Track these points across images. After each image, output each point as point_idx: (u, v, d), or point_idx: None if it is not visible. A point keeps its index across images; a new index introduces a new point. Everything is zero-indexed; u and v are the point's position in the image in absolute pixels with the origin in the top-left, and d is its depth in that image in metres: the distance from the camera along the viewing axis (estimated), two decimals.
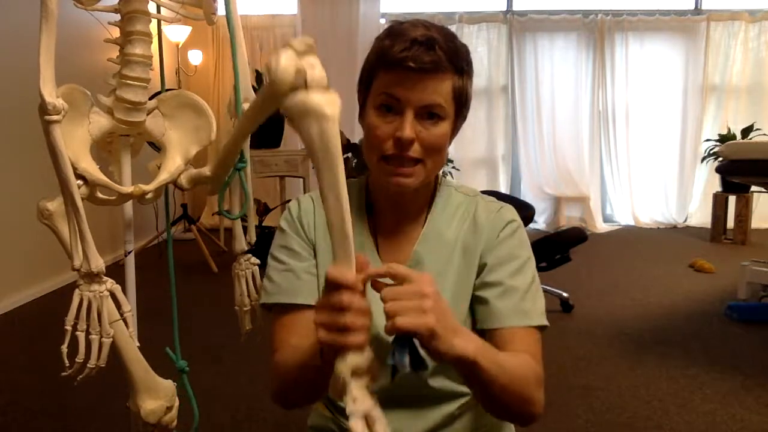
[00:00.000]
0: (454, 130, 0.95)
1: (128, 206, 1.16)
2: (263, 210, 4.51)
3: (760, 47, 5.70)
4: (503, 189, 5.86)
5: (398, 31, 0.90)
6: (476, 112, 5.92)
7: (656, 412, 2.01)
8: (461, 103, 0.93)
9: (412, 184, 0.91)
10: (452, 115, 0.92)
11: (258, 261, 1.16)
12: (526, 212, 3.23)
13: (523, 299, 0.92)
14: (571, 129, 5.86)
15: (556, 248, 3.00)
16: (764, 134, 5.28)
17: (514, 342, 0.90)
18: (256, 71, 4.70)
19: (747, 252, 4.51)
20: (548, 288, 3.28)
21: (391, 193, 0.96)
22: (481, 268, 0.95)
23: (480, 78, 5.89)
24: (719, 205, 5.07)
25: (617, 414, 2.00)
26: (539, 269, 3.29)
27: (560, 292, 3.22)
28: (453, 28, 5.80)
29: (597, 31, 5.76)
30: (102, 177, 0.98)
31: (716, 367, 2.37)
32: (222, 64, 5.80)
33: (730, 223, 5.03)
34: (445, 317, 0.71)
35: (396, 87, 0.88)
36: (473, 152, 5.94)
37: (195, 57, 5.51)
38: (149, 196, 1.06)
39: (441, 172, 1.03)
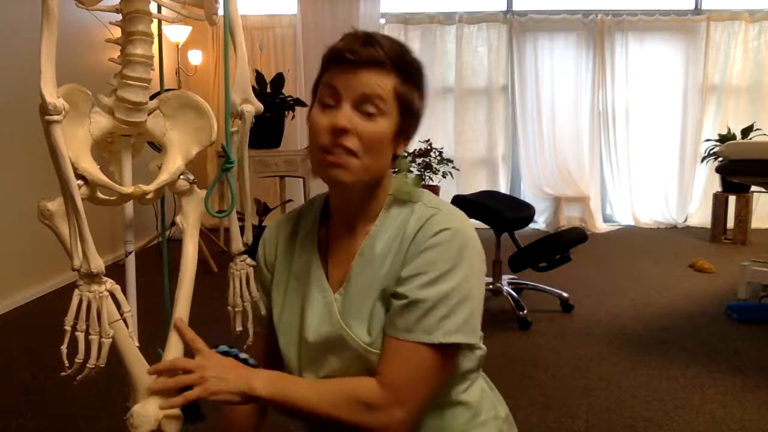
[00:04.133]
0: (400, 133, 0.95)
1: (129, 206, 1.17)
2: (263, 210, 4.51)
3: (760, 47, 5.70)
4: (503, 189, 5.86)
5: (348, 33, 0.94)
6: (476, 112, 5.92)
7: (656, 412, 2.01)
8: (405, 108, 0.94)
9: (346, 177, 0.91)
10: (395, 116, 0.93)
11: (253, 262, 1.17)
12: (526, 212, 3.22)
13: (427, 314, 0.89)
14: (571, 129, 5.86)
15: (556, 248, 3.00)
16: (764, 134, 5.29)
17: (394, 354, 0.91)
18: (256, 71, 4.70)
19: (747, 252, 4.51)
20: (548, 288, 3.29)
21: (333, 191, 0.99)
22: (399, 279, 0.93)
23: (480, 78, 5.89)
24: (719, 205, 5.07)
25: (617, 414, 2.00)
26: (539, 269, 3.27)
27: (560, 292, 3.22)
28: (453, 28, 5.81)
29: (597, 31, 5.76)
30: (102, 177, 0.98)
31: (716, 367, 2.38)
32: (222, 64, 5.79)
33: (730, 223, 5.03)
34: (224, 380, 0.91)
35: (335, 78, 0.91)
36: (473, 152, 5.94)
37: (195, 57, 5.51)
38: (150, 196, 1.06)
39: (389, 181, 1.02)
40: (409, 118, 0.96)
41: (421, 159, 5.44)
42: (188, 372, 0.93)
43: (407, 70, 0.94)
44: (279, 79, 4.61)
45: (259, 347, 1.15)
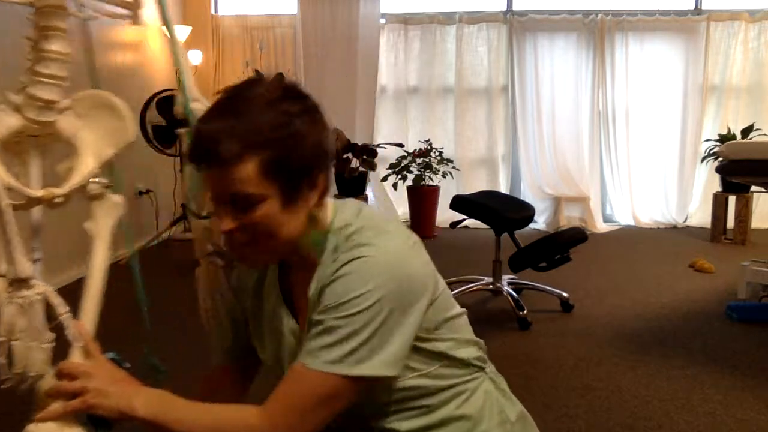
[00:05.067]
0: (293, 196, 0.89)
1: (36, 211, 1.07)
2: None
3: (760, 47, 5.69)
4: (503, 189, 5.86)
5: (196, 127, 0.89)
6: (476, 112, 5.92)
7: (656, 412, 2.01)
8: (284, 175, 0.87)
9: (258, 264, 0.93)
10: (275, 192, 0.87)
11: (221, 263, 1.12)
12: (526, 212, 3.23)
13: (319, 336, 0.86)
14: (571, 129, 5.86)
15: (556, 248, 2.99)
16: (764, 134, 5.28)
17: (287, 377, 0.88)
18: (256, 71, 4.70)
19: (747, 252, 4.51)
20: (548, 288, 3.29)
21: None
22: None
23: (480, 78, 5.89)
24: (719, 205, 5.07)
25: (617, 414, 2.00)
26: (539, 269, 3.27)
27: (560, 292, 3.22)
28: (453, 28, 5.81)
29: (597, 31, 5.75)
30: (10, 179, 0.93)
31: (716, 367, 2.37)
32: (222, 64, 5.80)
33: (730, 223, 5.03)
34: (105, 393, 0.87)
35: (208, 179, 0.87)
36: (473, 152, 5.94)
37: (195, 57, 5.51)
38: (60, 200, 1.00)
39: (338, 219, 0.96)
40: (292, 180, 0.89)
41: (421, 159, 5.44)
42: (74, 378, 0.89)
43: (266, 137, 0.86)
44: None
45: (226, 379, 1.14)
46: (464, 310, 1.07)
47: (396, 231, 0.95)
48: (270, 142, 0.86)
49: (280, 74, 0.93)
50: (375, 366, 0.86)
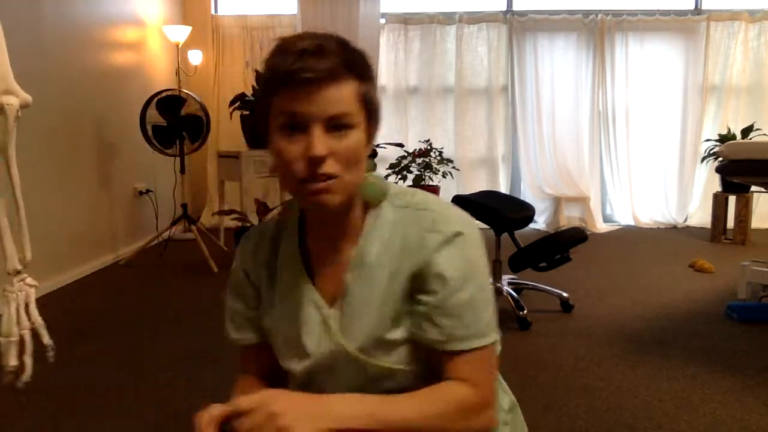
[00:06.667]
0: (370, 137, 0.90)
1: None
2: (263, 210, 4.50)
3: (760, 47, 5.70)
4: (503, 189, 5.86)
5: (285, 45, 0.83)
6: (476, 112, 5.92)
7: (656, 412, 2.01)
8: (371, 109, 0.88)
9: (332, 200, 0.85)
10: (363, 122, 0.87)
11: (34, 282, 0.99)
12: (526, 212, 3.22)
13: (461, 317, 0.88)
14: (571, 129, 5.87)
15: (556, 248, 3.00)
16: (764, 134, 5.29)
17: (454, 366, 0.89)
18: (256, 71, 4.70)
19: (747, 252, 4.52)
20: (548, 288, 3.29)
21: (319, 215, 0.92)
22: (415, 289, 0.90)
23: (480, 78, 5.89)
24: (719, 205, 5.07)
25: (617, 414, 2.00)
26: (539, 269, 3.27)
27: (560, 292, 3.22)
28: (453, 28, 5.81)
29: (597, 31, 5.76)
30: None
31: (716, 367, 2.38)
32: (222, 64, 5.80)
33: (730, 223, 5.04)
34: (308, 416, 0.78)
35: (296, 103, 0.82)
36: (473, 152, 5.95)
37: (195, 57, 5.51)
38: None
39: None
40: (375, 116, 0.90)
41: (421, 159, 5.44)
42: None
43: (362, 69, 0.86)
44: None
45: (262, 358, 1.06)
46: None
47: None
48: (364, 71, 0.87)
49: None
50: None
